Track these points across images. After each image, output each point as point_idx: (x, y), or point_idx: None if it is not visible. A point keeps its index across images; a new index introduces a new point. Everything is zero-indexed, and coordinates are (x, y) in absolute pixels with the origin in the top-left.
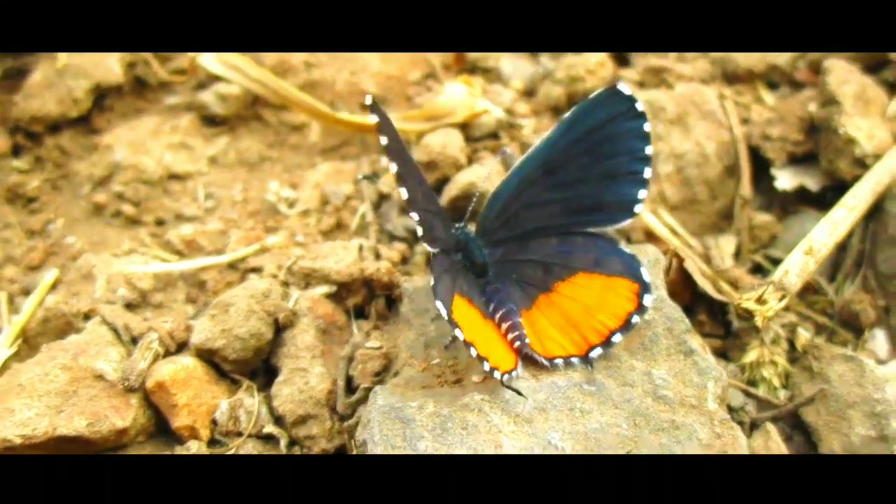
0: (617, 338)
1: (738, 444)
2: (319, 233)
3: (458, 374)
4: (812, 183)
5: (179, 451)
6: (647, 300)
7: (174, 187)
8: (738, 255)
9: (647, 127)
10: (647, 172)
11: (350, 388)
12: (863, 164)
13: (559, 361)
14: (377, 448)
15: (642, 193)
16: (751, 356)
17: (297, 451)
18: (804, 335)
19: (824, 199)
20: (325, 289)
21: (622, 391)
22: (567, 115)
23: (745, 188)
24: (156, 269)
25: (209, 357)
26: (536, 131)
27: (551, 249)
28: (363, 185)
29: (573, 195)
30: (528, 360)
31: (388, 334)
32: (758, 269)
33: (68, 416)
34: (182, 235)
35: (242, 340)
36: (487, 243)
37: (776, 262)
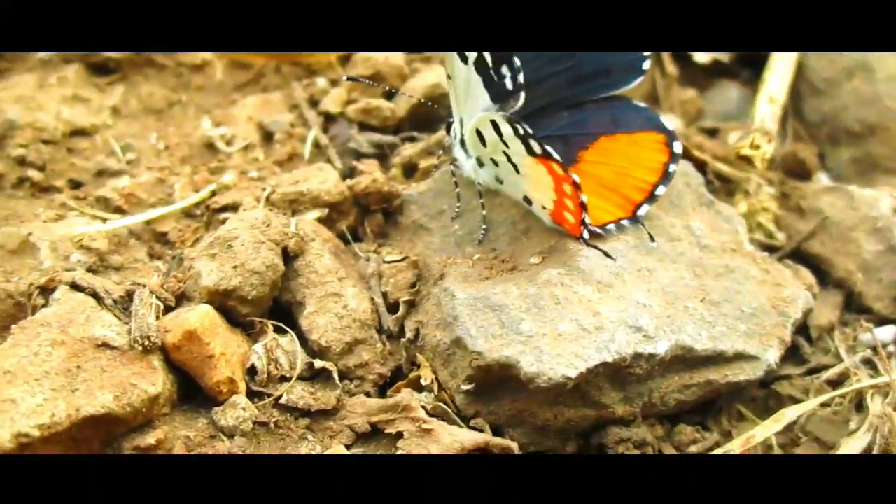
0: (660, 190)
1: (784, 275)
2: (274, 164)
3: (507, 262)
4: (724, 55)
5: (220, 415)
6: (678, 147)
7: (80, 144)
8: None
9: None
10: None
11: (388, 305)
12: None
13: (611, 226)
14: (477, 342)
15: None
16: (742, 207)
17: (349, 385)
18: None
19: (733, 70)
20: (316, 213)
21: (672, 246)
22: None
23: (670, 66)
24: (108, 227)
25: (223, 301)
26: None
27: (564, 121)
28: (303, 109)
29: (574, 64)
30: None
31: (399, 246)
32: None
33: (87, 392)
34: (118, 189)
35: (259, 275)
36: None
37: (712, 132)
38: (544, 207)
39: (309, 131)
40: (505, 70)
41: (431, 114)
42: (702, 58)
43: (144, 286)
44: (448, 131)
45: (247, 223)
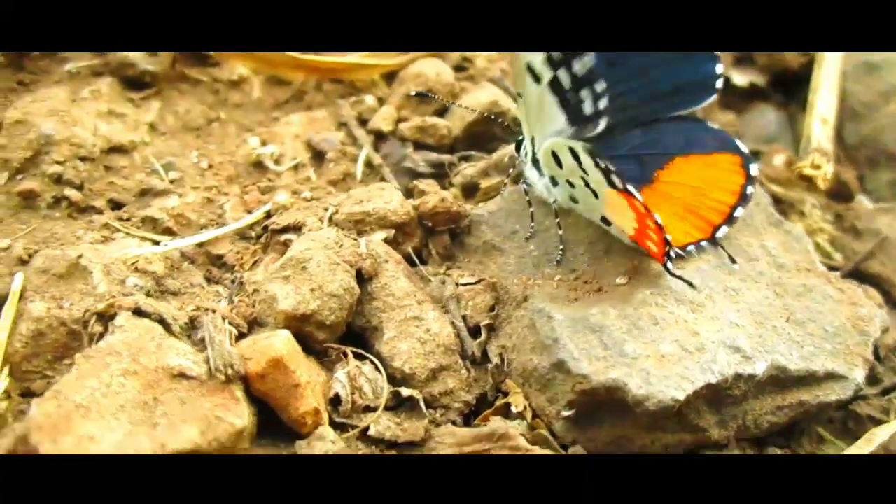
0: (739, 212)
1: (858, 294)
2: (329, 183)
3: (591, 283)
4: (760, 78)
5: (306, 448)
6: (754, 169)
7: (119, 162)
8: None
9: None
10: None
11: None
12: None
13: (691, 248)
14: (581, 365)
15: (720, 68)
16: (799, 228)
17: (434, 415)
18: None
19: (768, 93)
20: (382, 234)
21: (752, 266)
22: None
23: None
24: (163, 249)
25: (300, 326)
26: None
27: (637, 140)
28: (352, 127)
29: (646, 82)
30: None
31: (469, 268)
32: None
33: (169, 427)
34: (167, 209)
35: (337, 298)
36: None
37: (755, 154)
38: (624, 230)
39: (360, 150)
40: (585, 93)
41: (487, 132)
42: (739, 80)
43: (215, 311)
44: (518, 149)
45: (319, 243)
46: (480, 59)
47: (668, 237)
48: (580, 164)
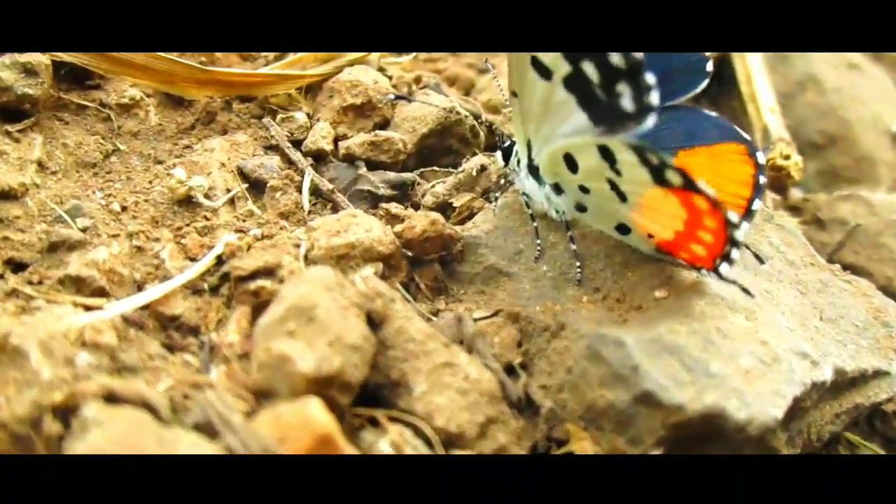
0: (756, 204)
1: (864, 284)
2: (279, 216)
3: (624, 301)
4: None
5: None
6: (761, 157)
7: (11, 211)
8: None
9: None
10: None
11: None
12: None
13: None
14: (672, 393)
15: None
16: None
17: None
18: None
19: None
20: (370, 269)
21: (769, 265)
22: None
23: None
24: (110, 313)
25: (321, 391)
26: None
27: None
28: (287, 150)
29: None
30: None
31: (470, 300)
32: None
33: None
34: (95, 264)
35: (359, 351)
36: None
37: None
38: (650, 236)
39: (302, 176)
40: (622, 87)
41: (441, 145)
42: None
43: (212, 386)
44: (506, 158)
45: (318, 285)
46: (393, 67)
47: (740, 236)
48: (613, 164)
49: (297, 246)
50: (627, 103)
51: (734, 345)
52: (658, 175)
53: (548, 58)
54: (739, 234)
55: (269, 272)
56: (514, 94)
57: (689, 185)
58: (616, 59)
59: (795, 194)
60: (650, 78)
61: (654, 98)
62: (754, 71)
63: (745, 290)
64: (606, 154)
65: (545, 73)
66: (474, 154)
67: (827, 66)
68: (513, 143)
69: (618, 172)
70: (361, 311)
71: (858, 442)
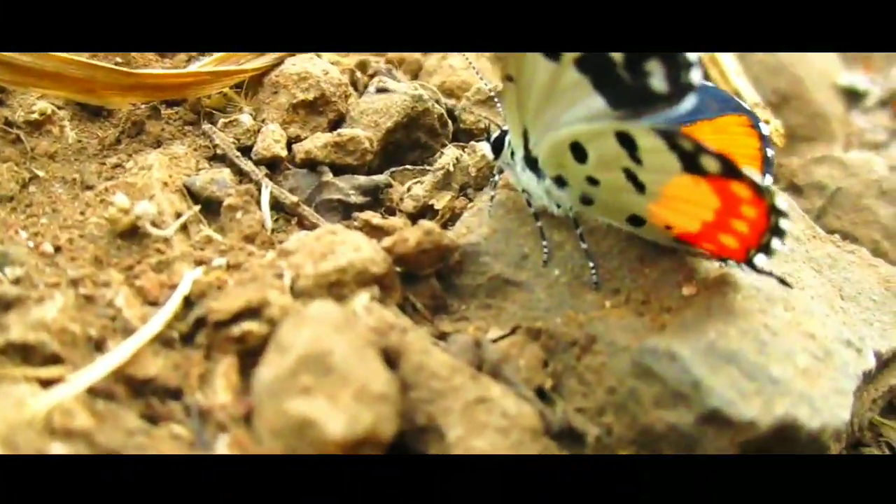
0: (768, 180)
1: (865, 253)
2: (244, 240)
3: (651, 302)
4: None
5: None
6: (765, 128)
7: None
8: None
9: None
10: None
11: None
12: None
13: None
14: (738, 407)
15: None
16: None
17: None
18: None
19: None
20: (366, 294)
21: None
22: None
23: None
24: (76, 387)
25: (357, 453)
26: None
27: None
28: (235, 159)
29: None
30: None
31: (477, 318)
32: None
33: None
34: (40, 325)
35: (389, 400)
36: None
37: None
38: (668, 228)
39: (258, 188)
40: (653, 66)
41: (407, 140)
42: None
43: None
44: (496, 150)
45: (326, 325)
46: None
47: (786, 226)
48: (633, 151)
49: (280, 276)
50: (659, 83)
51: (785, 342)
52: (690, 161)
53: None
54: (786, 224)
55: (253, 312)
56: (508, 77)
57: (729, 171)
58: None
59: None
60: (691, 54)
61: (696, 76)
62: None
63: (783, 281)
64: (626, 141)
65: (553, 54)
66: (443, 146)
67: None
68: (504, 133)
69: (638, 161)
70: (376, 349)
71: (881, 421)
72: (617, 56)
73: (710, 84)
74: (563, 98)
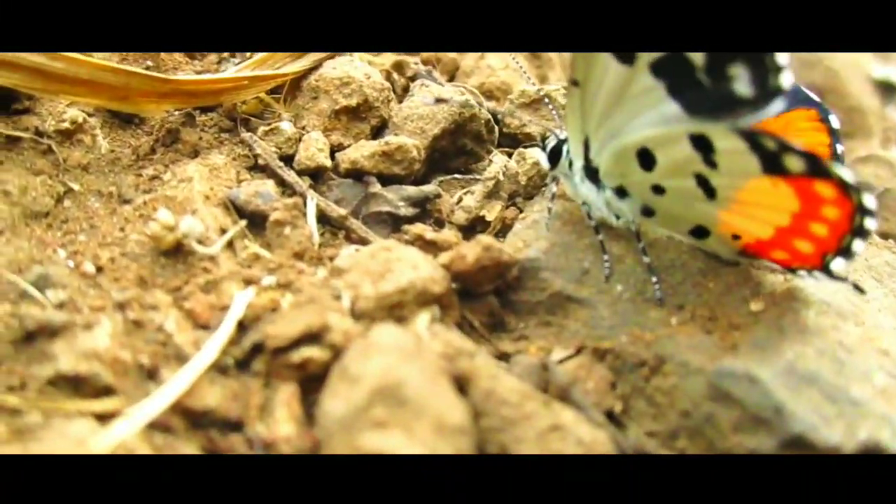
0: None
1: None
2: (293, 257)
3: (717, 318)
4: None
5: None
6: (835, 121)
7: None
8: None
9: None
10: None
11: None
12: None
13: None
14: (821, 432)
15: None
16: None
17: None
18: None
19: None
20: (426, 315)
21: None
22: None
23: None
24: (136, 423)
25: None
26: None
27: None
28: (278, 170)
29: None
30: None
31: (538, 337)
32: None
33: None
34: (91, 354)
35: (466, 433)
36: None
37: None
38: (736, 237)
39: (304, 200)
40: (738, 70)
41: (453, 147)
42: None
43: None
44: (553, 159)
45: (395, 353)
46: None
47: (872, 225)
48: (708, 154)
49: (337, 297)
50: (744, 87)
51: (861, 360)
52: (772, 162)
53: None
54: (871, 223)
55: (313, 337)
56: (574, 83)
57: (816, 170)
58: None
59: None
60: (781, 57)
61: (787, 79)
62: None
63: (858, 288)
64: (700, 144)
65: (625, 56)
66: (489, 152)
67: None
68: (562, 142)
69: (713, 164)
70: (448, 376)
71: None
72: (697, 59)
73: None
74: (633, 104)
